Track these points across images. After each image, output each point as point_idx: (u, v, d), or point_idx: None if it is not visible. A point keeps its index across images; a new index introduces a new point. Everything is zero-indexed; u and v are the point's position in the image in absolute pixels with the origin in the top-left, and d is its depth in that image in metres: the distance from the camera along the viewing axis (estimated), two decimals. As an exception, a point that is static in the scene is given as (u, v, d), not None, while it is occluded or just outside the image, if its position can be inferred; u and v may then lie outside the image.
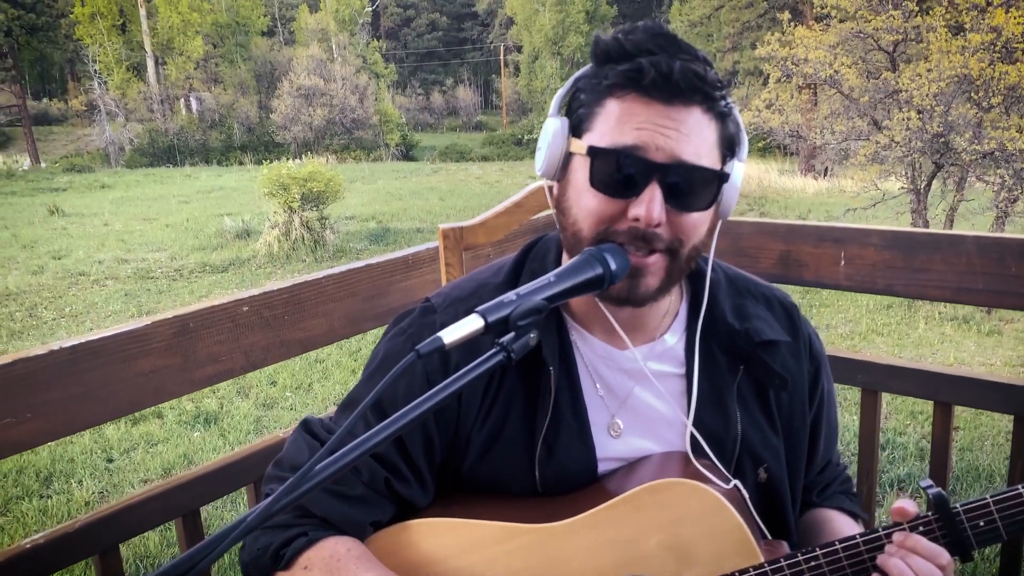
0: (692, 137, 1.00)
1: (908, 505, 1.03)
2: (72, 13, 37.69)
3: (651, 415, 1.16)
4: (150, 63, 37.96)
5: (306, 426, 1.15)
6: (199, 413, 6.52)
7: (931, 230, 1.70)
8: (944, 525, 1.01)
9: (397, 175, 24.14)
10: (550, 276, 0.95)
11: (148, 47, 37.68)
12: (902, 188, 10.42)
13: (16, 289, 11.21)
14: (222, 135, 37.31)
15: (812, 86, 14.08)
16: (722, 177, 1.04)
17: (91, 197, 21.95)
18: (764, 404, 1.19)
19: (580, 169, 1.05)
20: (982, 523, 1.00)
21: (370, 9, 44.10)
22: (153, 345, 1.35)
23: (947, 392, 1.74)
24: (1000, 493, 0.99)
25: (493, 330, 0.86)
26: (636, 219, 1.00)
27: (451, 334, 0.82)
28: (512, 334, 0.86)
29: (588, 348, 1.17)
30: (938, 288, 1.68)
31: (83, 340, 1.26)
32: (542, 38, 40.73)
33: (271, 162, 15.82)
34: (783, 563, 1.04)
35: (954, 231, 1.71)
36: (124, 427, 6.23)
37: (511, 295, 0.89)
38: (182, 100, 38.38)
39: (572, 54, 40.13)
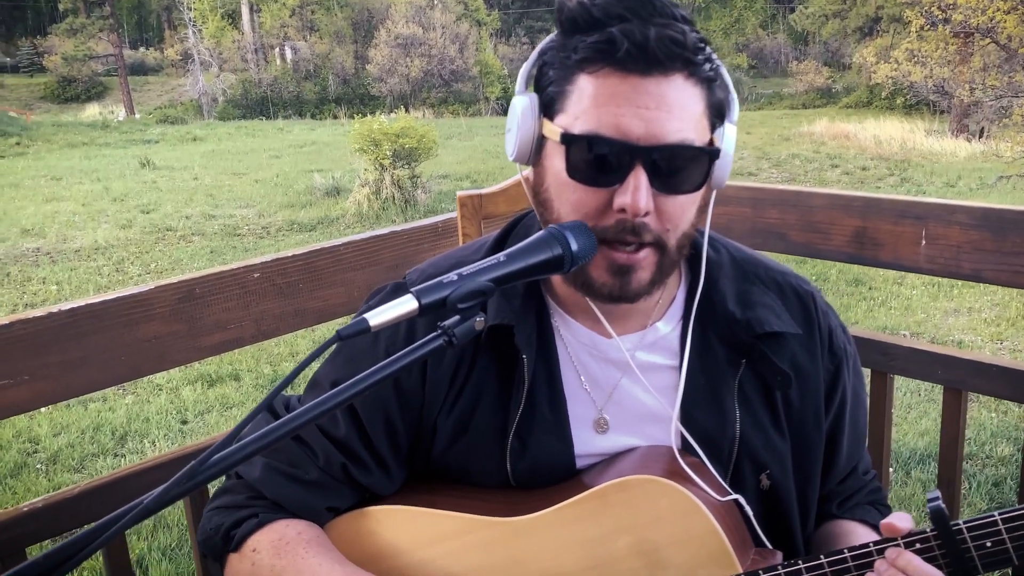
0: (675, 110, 0.96)
1: (899, 520, 0.97)
2: (169, -41, 39.26)
3: (639, 410, 1.13)
4: (245, 10, 39.21)
5: (270, 405, 1.18)
6: (276, 377, 6.80)
7: (1026, 207, 1.58)
8: (944, 544, 0.95)
9: (496, 131, 24.18)
10: (500, 255, 0.93)
11: (244, -7, 38.91)
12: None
13: (105, 243, 11.89)
14: (316, 87, 38.27)
15: (963, 35, 13.25)
16: (712, 154, 1.00)
17: (182, 150, 22.97)
18: (770, 403, 1.14)
19: (556, 156, 1.02)
20: (989, 543, 0.93)
21: (473, -49, 44.09)
22: (156, 310, 1.40)
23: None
24: (1012, 510, 0.92)
25: (428, 313, 0.85)
26: (623, 210, 0.97)
27: (379, 316, 0.81)
28: (456, 317, 0.85)
29: (572, 336, 1.14)
30: (1035, 274, 1.56)
31: (83, 303, 1.33)
32: (660, -19, 39.81)
33: (365, 116, 16.16)
34: (761, 574, 1.01)
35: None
36: (200, 389, 6.56)
37: (452, 275, 0.88)
38: (276, 50, 39.55)
39: (693, -1, 39.11)
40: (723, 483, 1.10)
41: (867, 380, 1.87)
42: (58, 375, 1.31)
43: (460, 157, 19.39)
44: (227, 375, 6.75)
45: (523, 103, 1.05)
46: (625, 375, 1.13)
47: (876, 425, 1.84)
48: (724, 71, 1.05)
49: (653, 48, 0.94)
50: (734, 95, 1.07)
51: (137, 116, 36.42)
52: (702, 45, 0.99)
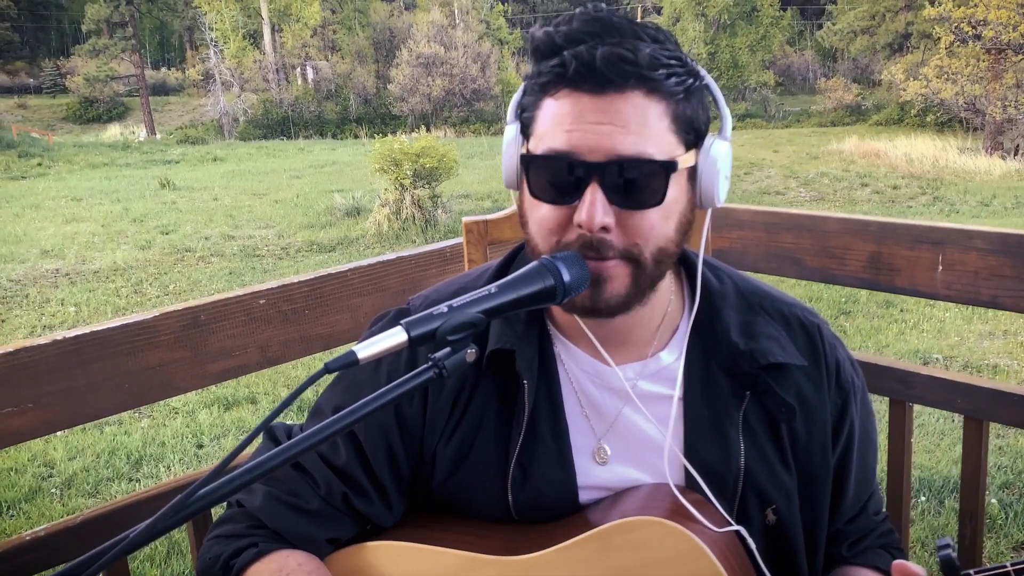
0: (631, 126, 0.98)
1: (912, 567, 0.96)
2: (192, -21, 39.95)
3: (641, 441, 1.13)
4: (266, 30, 39.75)
5: (270, 432, 1.19)
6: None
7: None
8: None
9: (518, 150, 24.26)
10: (492, 287, 0.94)
11: (265, 14, 39.45)
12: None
13: (124, 264, 12.04)
14: (338, 106, 38.70)
15: (994, 51, 13.15)
16: (668, 167, 1.00)
17: (203, 170, 23.26)
18: (775, 436, 1.14)
19: (525, 177, 1.05)
20: None
21: (496, -30, 44.51)
22: (161, 337, 1.42)
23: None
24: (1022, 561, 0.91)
25: (418, 345, 0.86)
26: (580, 225, 0.99)
27: (368, 348, 0.83)
28: (447, 348, 0.86)
29: (573, 362, 1.15)
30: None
31: (88, 330, 1.35)
32: (685, -2, 39.93)
33: (386, 135, 16.30)
34: None
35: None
36: (216, 412, 6.60)
37: (442, 307, 0.89)
38: (298, 69, 40.04)
39: (718, 15, 39.11)
40: (728, 519, 1.09)
41: (886, 409, 1.86)
42: (62, 403, 1.33)
43: (481, 176, 19.49)
44: (244, 398, 6.79)
45: (509, 132, 1.09)
46: (627, 404, 1.13)
47: (896, 456, 1.82)
48: (711, 87, 1.07)
49: (600, 68, 0.97)
50: (726, 111, 1.07)
51: (158, 136, 36.97)
52: (671, 62, 1.00)
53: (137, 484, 5.44)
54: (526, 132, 1.07)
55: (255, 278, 11.33)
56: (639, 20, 1.03)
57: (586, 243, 1.00)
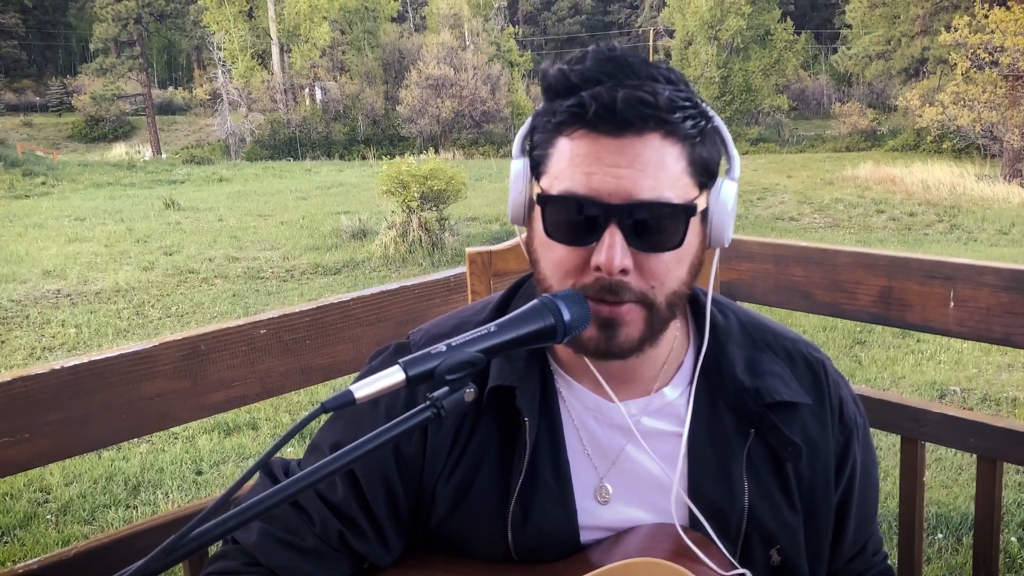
0: (650, 169, 0.99)
1: None
2: (201, -1, 40.41)
3: (644, 479, 1.13)
4: (275, 51, 40.13)
5: (267, 467, 1.19)
6: (293, 426, 6.82)
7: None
8: None
9: (527, 173, 24.36)
10: (491, 325, 0.95)
11: (274, 34, 39.85)
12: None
13: (126, 285, 12.10)
14: (346, 127, 38.96)
15: (1012, 78, 13.18)
16: (689, 211, 1.02)
17: (208, 190, 23.41)
18: (780, 475, 1.14)
19: (539, 216, 1.06)
20: None
21: (507, -8, 44.93)
22: (160, 367, 1.43)
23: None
24: None
25: (416, 384, 0.87)
26: (598, 268, 0.99)
27: (365, 388, 0.83)
28: (445, 388, 0.87)
29: (575, 399, 1.15)
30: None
31: (86, 360, 1.36)
32: (697, 21, 40.11)
33: (394, 157, 16.40)
34: None
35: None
36: (216, 438, 6.60)
37: (440, 346, 0.89)
38: (306, 90, 40.36)
39: (731, 39, 39.33)
40: (732, 560, 1.09)
41: (897, 447, 1.85)
42: (59, 433, 1.34)
43: (490, 199, 19.55)
44: (245, 424, 6.79)
45: (516, 167, 1.10)
46: (630, 442, 1.13)
47: (908, 494, 1.81)
48: (720, 129, 1.08)
49: (621, 110, 0.98)
50: (734, 152, 1.09)
51: (164, 156, 37.28)
52: (685, 104, 1.01)
53: (134, 511, 5.43)
54: (537, 170, 1.07)
55: (258, 300, 11.37)
56: (651, 60, 1.04)
57: (604, 286, 1.01)
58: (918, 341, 8.30)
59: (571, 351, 1.11)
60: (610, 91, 0.98)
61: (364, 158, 34.50)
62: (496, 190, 21.37)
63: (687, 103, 1.01)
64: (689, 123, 1.01)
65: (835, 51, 45.47)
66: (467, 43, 39.54)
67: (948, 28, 18.87)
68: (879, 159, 25.50)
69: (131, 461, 6.14)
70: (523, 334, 0.96)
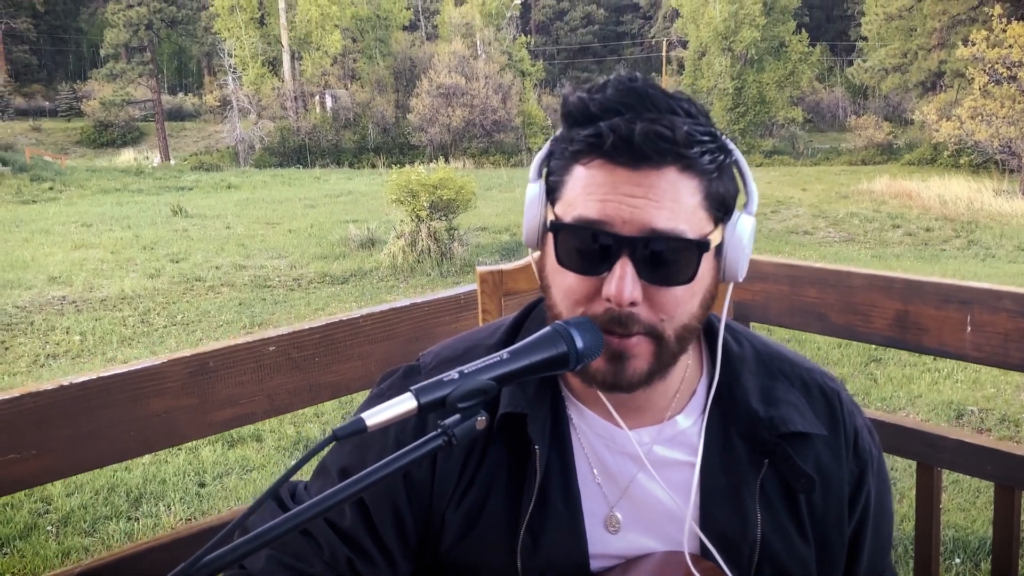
0: (665, 201, 0.99)
1: None
2: (212, 5, 40.64)
3: (656, 508, 1.13)
4: (286, 58, 40.36)
5: (276, 494, 1.20)
6: (299, 439, 6.82)
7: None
8: None
9: (538, 184, 24.40)
10: (504, 352, 0.95)
11: (285, 41, 40.09)
12: None
13: (132, 292, 12.14)
14: (356, 135, 39.12)
15: (1031, 93, 13.17)
16: (702, 246, 1.02)
17: (216, 197, 23.49)
18: (793, 506, 1.13)
19: (551, 242, 1.06)
20: None
21: (519, 2, 45.08)
22: (168, 384, 1.43)
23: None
24: None
25: (427, 412, 0.87)
26: (609, 299, 1.00)
27: (376, 416, 0.84)
28: (457, 416, 0.88)
29: (587, 426, 1.15)
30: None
31: (95, 376, 1.36)
32: (711, 32, 40.16)
33: (404, 166, 16.44)
34: None
35: None
36: (220, 450, 6.60)
37: (453, 373, 0.90)
38: (316, 98, 40.56)
39: (745, 50, 39.36)
40: None
41: (912, 468, 1.84)
42: (66, 450, 1.34)
43: (499, 209, 19.55)
44: (249, 435, 6.79)
45: (532, 190, 1.11)
46: (641, 470, 1.13)
47: (924, 522, 1.80)
48: (740, 163, 1.08)
49: (638, 143, 0.98)
50: (752, 187, 1.09)
51: (172, 162, 37.48)
52: (704, 138, 1.01)
53: (136, 523, 5.43)
54: (552, 196, 1.08)
55: (265, 309, 11.39)
56: (672, 92, 1.04)
57: (613, 317, 1.01)
58: (935, 359, 8.24)
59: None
60: (628, 123, 0.99)
61: (374, 166, 34.60)
62: (506, 200, 21.37)
63: (706, 137, 1.02)
64: (707, 158, 1.01)
65: (851, 63, 45.46)
66: (479, 52, 39.70)
67: (965, 42, 18.87)
68: (895, 173, 25.43)
69: (133, 472, 6.14)
70: (536, 361, 0.96)
